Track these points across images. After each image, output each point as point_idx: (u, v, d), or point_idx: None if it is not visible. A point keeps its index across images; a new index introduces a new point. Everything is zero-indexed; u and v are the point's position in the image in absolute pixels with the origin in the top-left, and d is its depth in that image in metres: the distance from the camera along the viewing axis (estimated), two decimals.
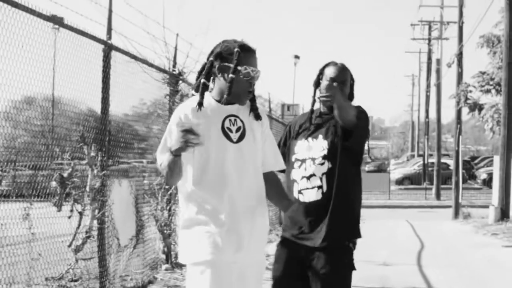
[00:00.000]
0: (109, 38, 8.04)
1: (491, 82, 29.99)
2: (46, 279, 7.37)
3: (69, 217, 7.26)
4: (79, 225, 7.44)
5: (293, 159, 5.11)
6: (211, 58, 4.28)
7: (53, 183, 7.30)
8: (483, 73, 30.61)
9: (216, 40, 4.38)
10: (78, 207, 7.41)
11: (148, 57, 9.53)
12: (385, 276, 11.00)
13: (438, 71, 46.62)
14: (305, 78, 4.86)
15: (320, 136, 5.06)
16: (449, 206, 28.54)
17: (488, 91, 30.56)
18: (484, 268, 12.32)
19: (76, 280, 7.74)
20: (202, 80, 4.25)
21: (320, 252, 4.90)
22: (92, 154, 7.55)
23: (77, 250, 7.39)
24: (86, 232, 7.49)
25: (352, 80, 5.20)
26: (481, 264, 12.94)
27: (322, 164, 4.98)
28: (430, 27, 51.29)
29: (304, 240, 4.96)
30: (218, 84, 4.28)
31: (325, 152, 4.99)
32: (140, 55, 9.15)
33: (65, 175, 7.12)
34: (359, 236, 5.06)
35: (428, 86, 53.36)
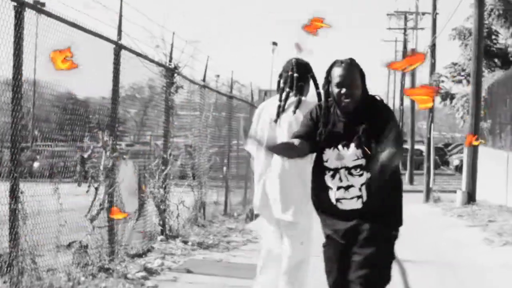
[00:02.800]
0: (119, 39, 9.22)
1: (462, 73, 31.28)
2: (57, 246, 8.39)
3: (87, 191, 8.48)
4: (95, 198, 8.64)
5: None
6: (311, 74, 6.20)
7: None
8: (455, 64, 31.91)
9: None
10: (95, 183, 8.62)
11: (148, 53, 10.71)
12: None
13: None
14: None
15: (352, 145, 4.94)
16: (421, 191, 29.50)
17: (459, 81, 31.89)
18: (446, 245, 13.60)
19: (85, 246, 8.78)
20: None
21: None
22: (105, 138, 8.78)
23: (92, 219, 8.59)
24: (100, 204, 8.70)
25: (362, 74, 5.02)
26: (444, 241, 14.24)
27: (360, 175, 4.93)
28: (406, 18, 52.42)
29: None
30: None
31: (362, 162, 4.92)
32: (142, 52, 10.32)
33: (85, 156, 8.35)
34: (401, 224, 5.10)
35: (403, 74, 54.48)
